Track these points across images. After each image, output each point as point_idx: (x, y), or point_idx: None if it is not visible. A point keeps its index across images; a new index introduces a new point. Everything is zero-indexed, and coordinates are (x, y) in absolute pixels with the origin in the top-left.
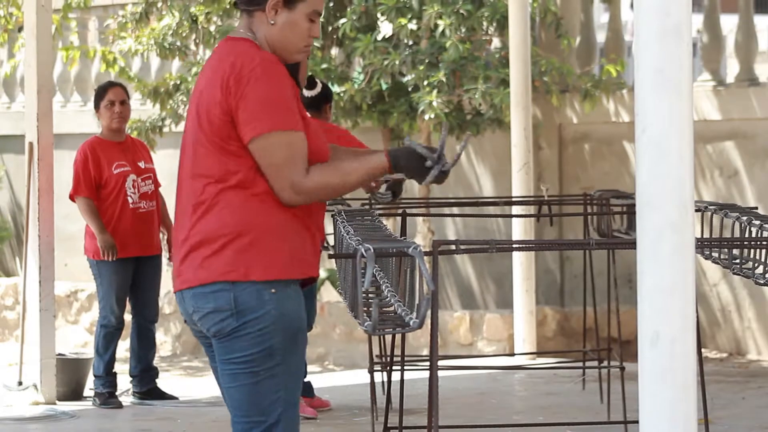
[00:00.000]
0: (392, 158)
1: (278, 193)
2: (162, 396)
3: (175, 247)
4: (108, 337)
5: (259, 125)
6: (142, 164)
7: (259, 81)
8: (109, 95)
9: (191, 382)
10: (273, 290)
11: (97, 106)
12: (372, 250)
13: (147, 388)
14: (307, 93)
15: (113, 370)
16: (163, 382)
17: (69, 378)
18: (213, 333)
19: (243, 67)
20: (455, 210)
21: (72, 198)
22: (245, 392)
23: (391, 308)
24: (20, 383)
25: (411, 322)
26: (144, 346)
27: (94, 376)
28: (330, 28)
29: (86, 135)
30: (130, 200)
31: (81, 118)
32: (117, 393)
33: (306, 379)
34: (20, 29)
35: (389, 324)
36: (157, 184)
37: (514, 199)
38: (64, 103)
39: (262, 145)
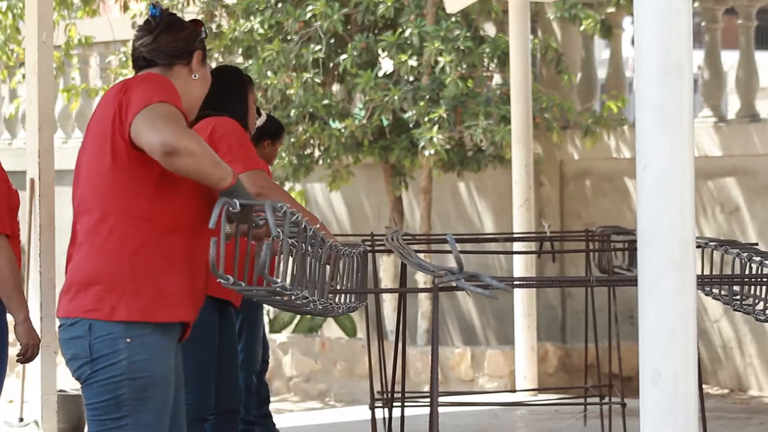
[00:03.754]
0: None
1: (151, 148)
2: None
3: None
4: None
5: (146, 101)
6: None
7: (145, 81)
8: None
9: None
10: (128, 339)
11: None
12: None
13: None
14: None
15: None
16: None
17: (70, 414)
18: (76, 378)
19: (127, 81)
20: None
21: None
22: None
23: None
24: (21, 420)
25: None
26: None
27: None
28: (331, 65)
29: None
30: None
31: None
32: None
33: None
34: (21, 65)
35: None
36: None
37: (515, 236)
38: (66, 140)
39: (146, 112)
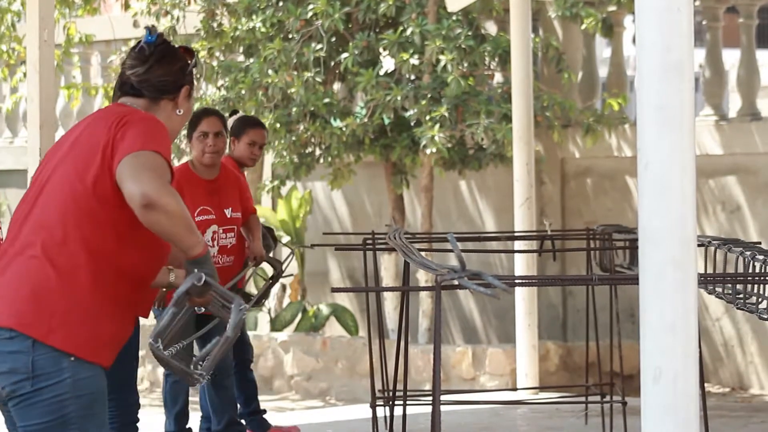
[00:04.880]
0: (198, 263)
1: (131, 196)
2: None
3: None
4: (176, 387)
5: (138, 145)
6: (228, 212)
7: (143, 123)
8: (203, 125)
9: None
10: (72, 357)
11: (189, 136)
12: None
13: None
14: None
15: (187, 426)
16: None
17: None
18: (8, 393)
19: (127, 114)
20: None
21: None
22: None
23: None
24: None
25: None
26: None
27: None
28: (332, 63)
29: None
30: None
31: None
32: None
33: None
34: (23, 63)
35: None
36: (240, 239)
37: (516, 234)
38: None
39: (134, 158)
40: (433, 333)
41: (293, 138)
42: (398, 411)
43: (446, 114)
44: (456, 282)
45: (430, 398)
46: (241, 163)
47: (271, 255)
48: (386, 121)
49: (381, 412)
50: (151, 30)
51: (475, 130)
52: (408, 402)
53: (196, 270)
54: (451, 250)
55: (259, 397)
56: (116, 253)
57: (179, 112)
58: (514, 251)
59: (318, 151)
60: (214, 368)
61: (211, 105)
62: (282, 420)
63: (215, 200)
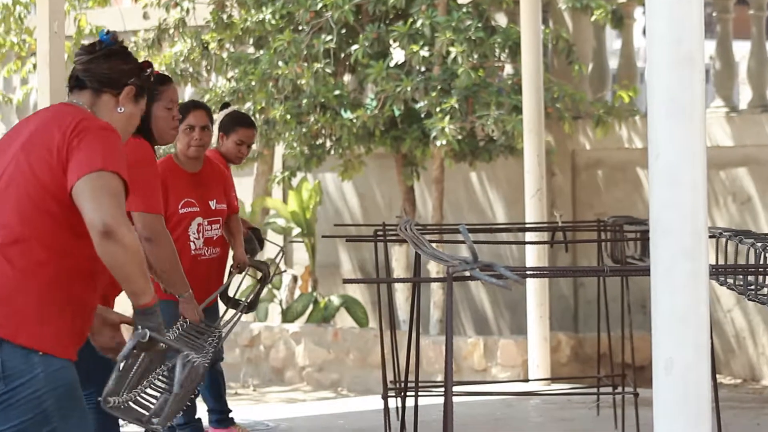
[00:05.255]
0: (144, 318)
1: (91, 222)
2: None
3: None
4: None
5: (97, 164)
6: (213, 204)
7: (100, 136)
8: (190, 119)
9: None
10: (41, 352)
11: None
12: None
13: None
14: (217, 115)
15: (195, 416)
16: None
17: None
18: None
19: (83, 120)
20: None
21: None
22: None
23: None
24: None
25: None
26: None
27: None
28: (342, 55)
29: None
30: (192, 246)
31: None
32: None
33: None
34: (33, 55)
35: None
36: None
37: (527, 226)
38: None
39: (93, 180)
40: (445, 324)
41: (304, 129)
42: (410, 402)
43: (456, 105)
44: (468, 273)
45: (442, 389)
46: (228, 159)
47: (257, 258)
48: (397, 113)
49: (393, 403)
50: (108, 32)
51: (486, 121)
52: (420, 393)
53: (140, 327)
54: (461, 242)
55: (272, 388)
56: (73, 251)
57: (121, 110)
58: (525, 243)
59: (328, 143)
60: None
61: (220, 96)
62: (294, 412)
63: (199, 192)
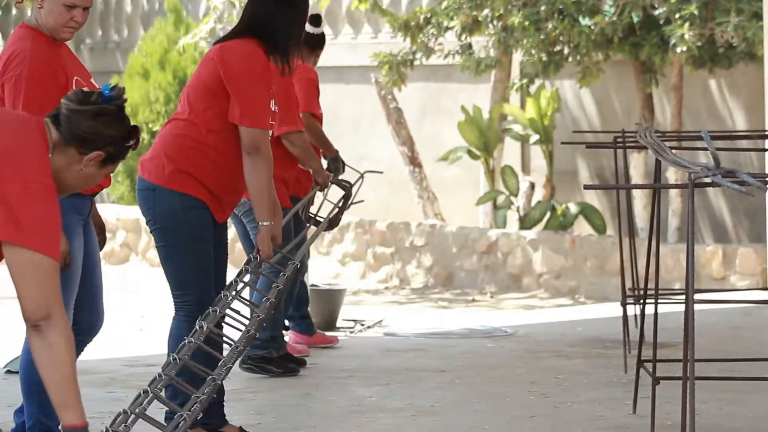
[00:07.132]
0: None
1: (22, 307)
2: None
3: None
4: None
5: (32, 237)
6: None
7: (42, 195)
8: None
9: (442, 314)
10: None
11: None
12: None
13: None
14: (310, 29)
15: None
16: (414, 315)
17: (322, 308)
18: None
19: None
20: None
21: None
22: None
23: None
24: None
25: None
26: None
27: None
28: None
29: None
30: None
31: None
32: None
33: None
34: None
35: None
36: None
37: (767, 133)
38: None
39: (25, 256)
40: (686, 231)
41: (542, 36)
42: (649, 309)
43: (696, 12)
44: (709, 179)
45: (682, 297)
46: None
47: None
48: (635, 19)
49: (631, 310)
50: (112, 88)
51: (725, 28)
52: (659, 301)
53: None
54: (700, 149)
55: (509, 295)
56: None
57: (80, 169)
58: (765, 150)
59: (566, 50)
60: None
61: None
62: (531, 318)
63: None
